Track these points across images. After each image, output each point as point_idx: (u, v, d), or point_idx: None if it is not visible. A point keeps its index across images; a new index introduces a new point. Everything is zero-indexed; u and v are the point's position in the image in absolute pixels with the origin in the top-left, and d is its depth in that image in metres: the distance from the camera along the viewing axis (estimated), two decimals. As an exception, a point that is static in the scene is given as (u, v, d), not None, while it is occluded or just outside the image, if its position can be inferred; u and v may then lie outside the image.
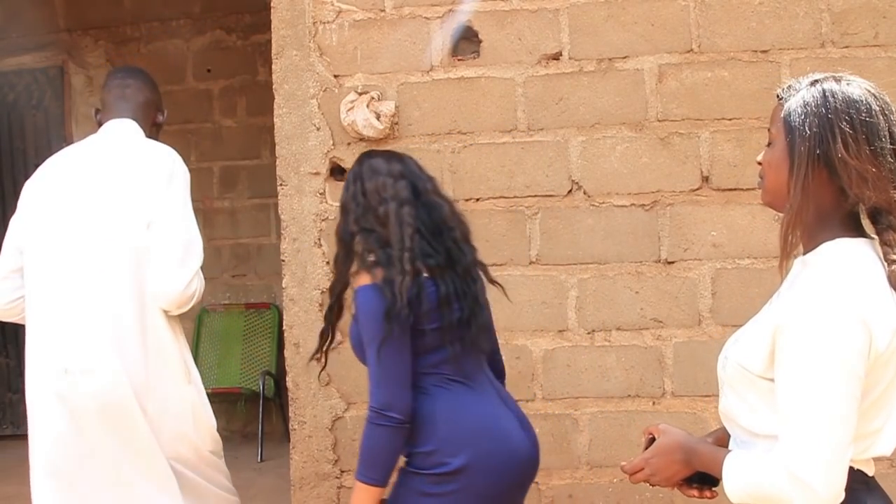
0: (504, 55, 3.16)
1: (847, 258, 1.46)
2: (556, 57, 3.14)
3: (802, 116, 1.48)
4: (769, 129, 1.59)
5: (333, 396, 3.23)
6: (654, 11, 3.12)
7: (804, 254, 1.53)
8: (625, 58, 3.12)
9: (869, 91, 1.51)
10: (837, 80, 1.52)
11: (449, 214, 2.30)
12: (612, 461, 3.13)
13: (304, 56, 3.23)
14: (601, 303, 3.12)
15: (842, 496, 1.42)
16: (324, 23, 3.22)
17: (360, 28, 3.22)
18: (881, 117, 1.48)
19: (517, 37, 3.16)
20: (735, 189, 3.09)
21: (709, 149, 3.10)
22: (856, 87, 1.50)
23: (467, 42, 3.20)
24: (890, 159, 1.46)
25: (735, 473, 1.51)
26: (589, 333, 3.13)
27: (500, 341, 3.04)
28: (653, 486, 1.71)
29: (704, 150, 3.10)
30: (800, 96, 1.51)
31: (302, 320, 3.22)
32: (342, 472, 3.24)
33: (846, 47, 3.09)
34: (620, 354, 3.12)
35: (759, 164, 1.61)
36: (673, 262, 3.10)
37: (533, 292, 3.14)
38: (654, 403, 3.12)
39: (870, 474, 1.53)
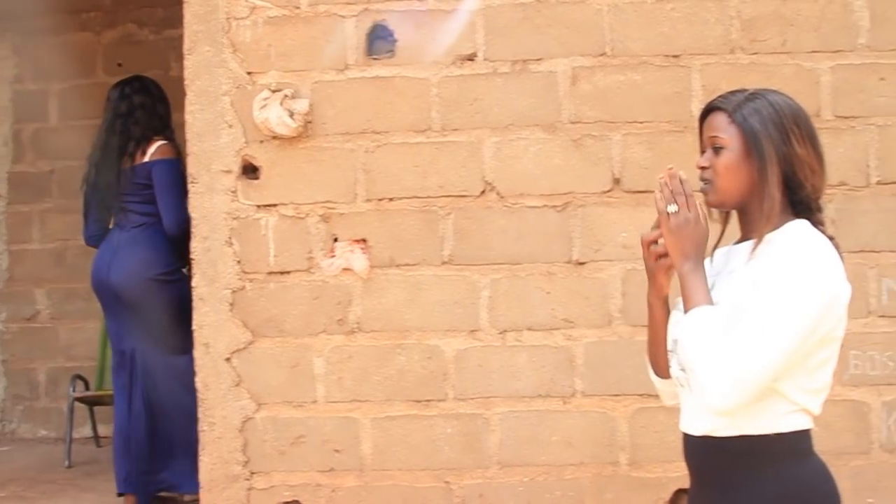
0: (419, 55, 3.68)
1: (810, 232, 1.94)
2: (471, 58, 3.67)
3: (762, 123, 1.94)
4: (714, 137, 2.00)
5: (244, 397, 3.71)
6: (568, 14, 3.67)
7: (752, 237, 1.96)
8: (539, 60, 3.67)
9: (795, 101, 2.02)
10: (771, 92, 2.01)
11: None
12: (522, 461, 3.66)
13: (216, 52, 3.71)
14: (513, 303, 3.65)
15: (734, 413, 1.84)
16: (237, 19, 3.71)
17: (274, 25, 3.71)
18: (811, 121, 2.01)
19: (432, 36, 3.68)
20: (646, 191, 3.63)
21: (620, 151, 3.65)
22: (788, 98, 2.01)
23: (382, 41, 3.71)
24: (821, 154, 1.99)
25: (696, 321, 1.85)
26: (500, 333, 3.66)
27: (412, 341, 3.59)
28: (656, 257, 2.01)
29: (616, 153, 3.65)
30: (750, 107, 1.97)
31: (212, 320, 3.70)
32: (252, 473, 3.72)
33: (755, 54, 3.67)
34: (531, 354, 3.66)
35: (704, 168, 2.01)
36: (584, 263, 3.65)
37: (445, 292, 3.66)
38: (564, 403, 3.66)
39: (812, 426, 1.95)
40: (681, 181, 1.94)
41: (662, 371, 2.10)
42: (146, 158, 4.40)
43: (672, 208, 1.94)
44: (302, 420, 3.71)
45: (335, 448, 3.71)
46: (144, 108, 4.50)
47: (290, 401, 3.71)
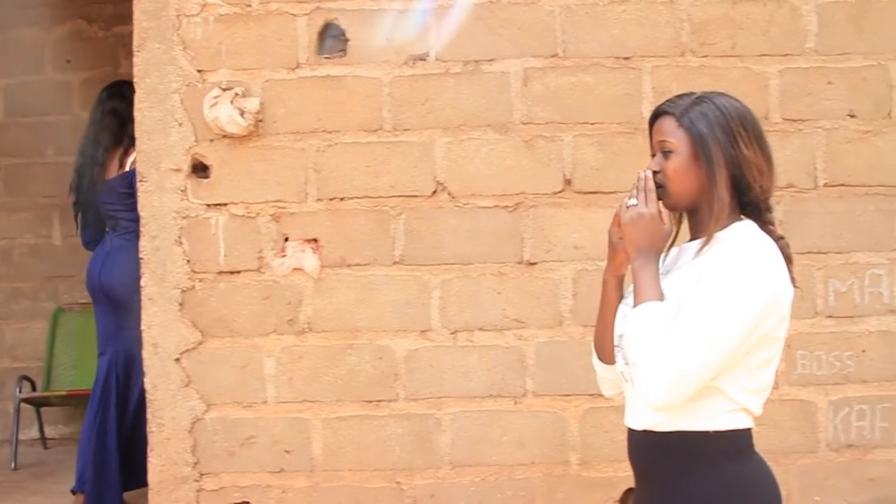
0: (371, 54, 3.72)
1: (755, 233, 2.00)
2: (423, 58, 3.72)
3: (709, 127, 2.00)
4: (663, 141, 2.06)
5: (193, 398, 3.73)
6: (520, 16, 3.73)
7: (702, 237, 2.02)
8: (491, 60, 3.72)
9: (742, 103, 2.09)
10: (719, 96, 2.07)
11: None
12: (474, 461, 3.72)
13: (166, 49, 3.73)
14: (464, 303, 3.71)
15: (673, 408, 1.89)
16: (188, 16, 3.73)
17: (225, 22, 3.73)
18: (759, 123, 2.08)
19: (384, 36, 3.73)
20: (597, 192, 3.72)
21: (572, 152, 3.73)
22: (735, 101, 2.07)
23: (334, 40, 3.75)
24: (769, 155, 2.06)
25: (643, 316, 1.90)
26: (452, 334, 3.71)
27: (363, 341, 3.63)
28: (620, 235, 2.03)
29: (567, 154, 3.72)
30: (697, 111, 2.02)
31: (161, 320, 3.72)
32: (202, 474, 3.74)
33: (705, 56, 3.76)
34: (483, 354, 3.72)
35: (654, 172, 2.05)
36: (535, 264, 3.72)
37: (396, 292, 3.71)
38: (515, 403, 3.73)
39: (752, 425, 2.01)
40: (649, 181, 2.01)
41: (606, 356, 2.15)
42: (126, 168, 4.45)
43: (631, 201, 2.01)
44: (252, 420, 3.74)
45: (285, 449, 3.74)
46: (115, 113, 4.56)
47: (240, 401, 3.74)
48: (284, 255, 3.71)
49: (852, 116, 3.80)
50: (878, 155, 3.81)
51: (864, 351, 3.81)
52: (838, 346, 3.81)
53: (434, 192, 3.72)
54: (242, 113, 3.66)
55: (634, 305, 1.95)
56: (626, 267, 2.08)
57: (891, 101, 3.81)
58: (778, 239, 2.01)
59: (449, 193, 3.71)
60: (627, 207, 2.01)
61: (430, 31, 3.72)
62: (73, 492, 4.53)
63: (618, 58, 3.74)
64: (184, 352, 3.72)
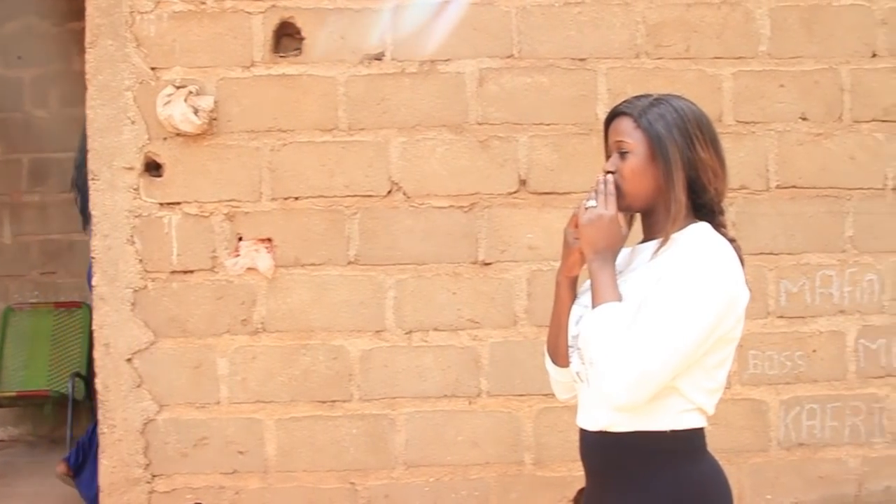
0: (326, 53, 3.75)
1: (712, 235, 2.04)
2: (379, 57, 3.76)
3: (667, 128, 2.03)
4: (620, 141, 2.08)
5: (145, 399, 3.74)
6: (476, 16, 3.78)
7: (657, 238, 2.05)
8: (447, 61, 3.77)
9: (698, 106, 2.13)
10: (676, 98, 2.11)
11: None
12: (428, 461, 3.77)
13: (119, 46, 3.73)
14: (419, 303, 3.75)
15: (633, 408, 1.92)
16: (141, 13, 3.74)
17: (179, 20, 3.75)
18: (713, 126, 2.13)
19: (340, 35, 3.76)
20: (551, 193, 3.78)
21: (527, 153, 3.78)
22: (691, 104, 2.11)
23: (289, 38, 3.78)
24: (723, 158, 2.10)
25: (602, 317, 1.92)
26: (406, 334, 3.76)
27: (318, 341, 3.66)
28: (570, 241, 2.07)
29: (522, 154, 3.78)
30: (655, 112, 2.05)
31: (112, 320, 3.72)
32: (154, 476, 3.75)
33: (659, 58, 3.84)
34: (437, 354, 3.76)
35: (611, 172, 2.08)
36: (490, 264, 3.77)
37: (351, 292, 3.74)
38: (469, 403, 3.78)
39: (706, 425, 2.05)
40: (610, 184, 2.04)
41: (560, 358, 2.17)
42: None
43: (591, 203, 2.04)
44: (205, 421, 3.76)
45: (239, 449, 3.76)
46: None
47: (193, 402, 3.75)
48: (238, 255, 3.73)
49: (804, 119, 3.89)
50: (829, 157, 3.90)
51: (814, 351, 3.91)
52: (789, 346, 3.90)
53: (389, 192, 3.76)
54: (196, 111, 3.68)
55: (593, 306, 1.97)
56: (579, 268, 2.11)
57: (842, 104, 3.91)
58: (730, 241, 2.05)
59: (404, 193, 3.76)
60: (586, 209, 2.04)
61: (386, 30, 3.75)
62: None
63: (573, 59, 3.80)
64: (136, 352, 3.73)
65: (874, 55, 3.93)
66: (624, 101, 2.12)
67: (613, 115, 2.12)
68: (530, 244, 3.77)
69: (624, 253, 2.14)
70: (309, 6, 3.75)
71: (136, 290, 3.72)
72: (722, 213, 2.10)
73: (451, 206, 3.76)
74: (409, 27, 3.75)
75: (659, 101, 2.08)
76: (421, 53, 3.76)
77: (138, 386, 3.73)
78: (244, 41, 3.75)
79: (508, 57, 3.79)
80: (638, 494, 1.97)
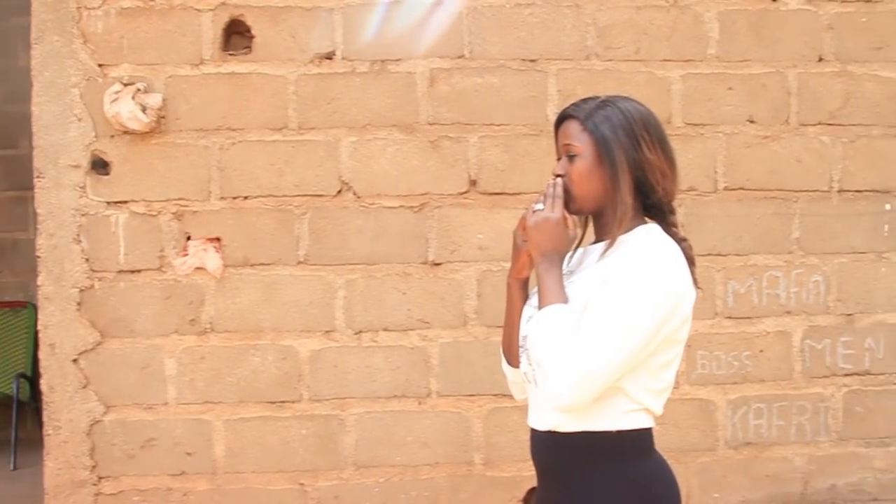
0: (276, 52, 3.77)
1: (660, 236, 2.05)
2: (330, 56, 3.79)
3: (613, 131, 2.04)
4: (568, 144, 2.10)
5: (91, 400, 3.74)
6: (426, 16, 3.81)
7: (606, 239, 2.08)
8: (397, 60, 3.80)
9: (646, 107, 2.16)
10: (623, 100, 2.12)
11: None
12: (378, 461, 3.80)
13: (66, 42, 3.72)
14: (369, 303, 3.78)
15: (578, 409, 1.94)
16: (88, 8, 3.73)
17: (127, 16, 3.74)
18: (661, 127, 2.17)
19: (290, 34, 3.78)
20: (501, 193, 3.83)
21: (477, 153, 3.82)
22: (639, 104, 2.12)
23: (239, 37, 3.79)
24: (672, 158, 2.12)
25: (548, 319, 1.93)
26: (356, 334, 3.78)
27: (267, 342, 3.68)
28: (518, 243, 2.10)
29: (473, 155, 3.82)
30: (601, 114, 2.07)
31: (58, 320, 3.71)
32: (100, 478, 3.75)
33: (609, 60, 3.89)
34: (387, 355, 3.79)
35: (560, 175, 2.10)
36: (440, 264, 3.81)
37: (301, 292, 3.76)
38: (419, 403, 3.81)
39: (654, 425, 2.08)
40: (558, 187, 2.06)
41: (514, 359, 2.19)
42: None
43: (538, 206, 2.06)
44: (152, 423, 3.76)
45: (187, 451, 3.77)
46: None
47: (140, 403, 3.76)
48: (186, 255, 3.74)
49: (752, 122, 3.97)
50: (776, 160, 3.99)
51: (761, 351, 3.99)
52: (737, 346, 3.98)
53: (339, 191, 3.78)
54: (144, 109, 3.68)
55: (539, 308, 2.00)
56: (529, 270, 2.14)
57: (789, 107, 3.99)
58: (681, 241, 2.07)
59: (354, 193, 3.78)
60: (534, 212, 2.06)
61: (336, 29, 3.77)
62: None
63: (524, 60, 3.85)
64: (82, 352, 3.72)
65: (820, 59, 4.01)
66: (571, 104, 2.14)
67: (561, 119, 2.14)
68: (480, 244, 3.81)
69: (577, 254, 2.18)
70: (259, 4, 3.77)
71: (82, 290, 3.71)
72: (672, 212, 2.12)
73: (402, 206, 3.79)
74: (361, 26, 3.77)
75: (606, 103, 2.10)
76: (372, 53, 3.78)
77: (84, 387, 3.73)
78: (193, 39, 3.75)
79: (459, 57, 3.83)
80: (586, 494, 1.99)
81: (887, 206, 4.06)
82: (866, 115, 4.04)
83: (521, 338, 2.11)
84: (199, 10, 3.77)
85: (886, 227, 4.07)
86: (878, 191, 4.06)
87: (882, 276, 4.07)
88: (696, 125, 3.94)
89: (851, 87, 4.03)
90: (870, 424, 4.08)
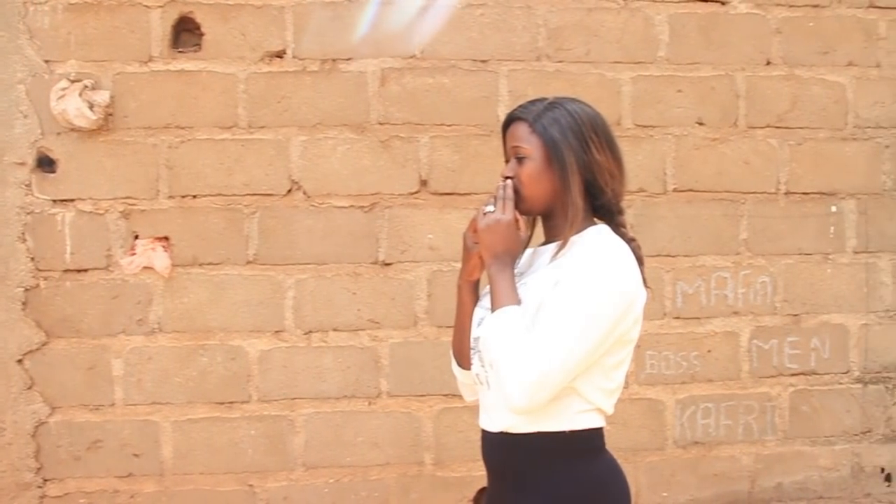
0: (226, 50, 3.77)
1: (610, 237, 2.09)
2: (280, 55, 3.79)
3: (562, 132, 2.07)
4: (517, 147, 2.13)
5: (36, 401, 3.72)
6: (379, 15, 3.83)
7: (557, 240, 2.10)
8: (348, 60, 3.82)
9: (594, 108, 2.19)
10: (571, 101, 2.15)
11: None
12: (328, 462, 3.81)
13: (11, 38, 3.70)
14: (318, 303, 3.80)
15: (533, 411, 1.97)
16: (35, 3, 3.71)
17: (74, 12, 3.73)
18: (610, 128, 2.20)
19: (241, 32, 3.78)
20: (452, 193, 3.86)
21: (428, 153, 3.85)
22: (587, 106, 2.15)
23: (189, 34, 3.79)
24: (620, 159, 2.16)
25: (501, 321, 1.96)
26: (306, 334, 3.80)
27: (215, 342, 3.68)
28: (475, 240, 2.11)
29: (424, 155, 3.85)
30: (549, 116, 2.09)
31: (2, 319, 3.68)
32: (45, 481, 3.73)
33: (560, 62, 3.94)
34: (337, 355, 3.81)
35: (509, 177, 2.13)
36: (390, 264, 3.83)
37: (250, 292, 3.77)
38: (369, 403, 3.84)
39: (605, 425, 2.12)
40: (509, 189, 2.09)
41: (465, 361, 2.21)
42: None
43: (489, 208, 2.09)
44: (99, 424, 3.75)
45: (134, 452, 3.76)
46: None
47: (87, 404, 3.74)
48: (134, 254, 3.73)
49: (701, 124, 4.04)
50: (724, 162, 4.06)
51: (709, 351, 4.06)
52: (685, 346, 4.04)
53: (289, 191, 3.79)
54: (92, 106, 3.66)
55: (492, 310, 2.00)
56: (479, 272, 2.17)
57: (737, 110, 4.07)
58: (630, 241, 2.10)
59: (304, 193, 3.80)
60: (485, 214, 2.09)
61: (287, 27, 3.78)
62: None
63: (475, 60, 3.89)
64: (27, 353, 3.70)
65: (769, 63, 4.09)
66: (519, 106, 2.17)
67: (510, 121, 2.16)
68: (431, 244, 3.84)
69: (526, 254, 2.20)
70: (209, 2, 3.77)
71: (27, 289, 3.69)
72: (621, 212, 2.16)
73: (352, 205, 3.81)
74: (312, 25, 3.78)
75: (554, 105, 2.12)
76: (322, 52, 3.80)
77: (29, 388, 3.71)
78: (142, 35, 3.75)
79: (411, 57, 3.86)
80: (538, 494, 2.01)
81: (833, 209, 4.15)
82: (813, 118, 4.12)
83: (472, 340, 2.14)
84: (147, 7, 3.76)
85: (832, 228, 4.15)
86: (824, 193, 4.14)
87: (828, 277, 4.15)
88: (645, 127, 4.00)
89: (799, 91, 4.11)
90: (815, 423, 4.17)
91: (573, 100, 2.16)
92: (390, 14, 3.82)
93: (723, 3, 4.06)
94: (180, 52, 3.78)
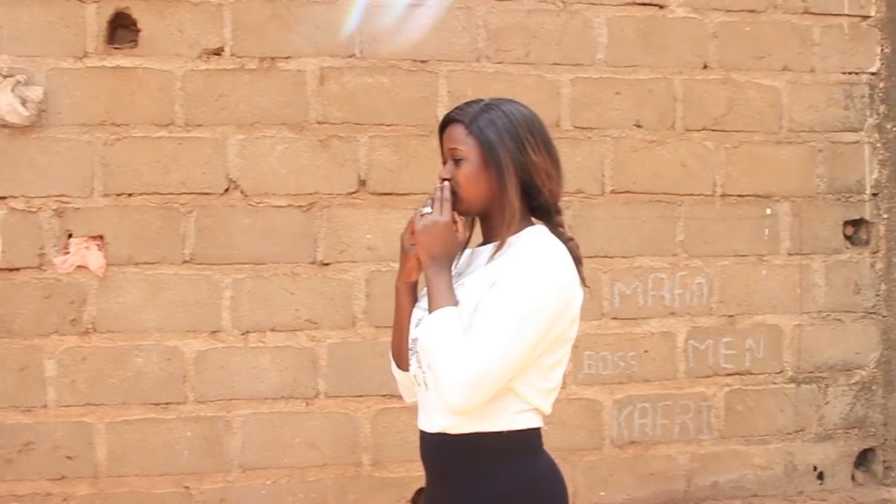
0: (163, 46, 3.77)
1: (548, 238, 2.10)
2: (218, 52, 3.80)
3: (498, 134, 2.09)
4: (454, 149, 2.14)
5: (-37, 402, 3.68)
6: (318, 14, 3.86)
7: (494, 241, 2.12)
8: (287, 58, 3.84)
9: (530, 109, 2.22)
10: (507, 102, 2.17)
11: None
12: (265, 463, 3.83)
13: (-59, 32, 3.66)
14: (256, 303, 3.81)
15: (471, 411, 1.98)
16: (-34, -3, 3.68)
17: (6, 5, 3.69)
18: (546, 129, 2.24)
19: (178, 28, 3.78)
20: (391, 193, 3.90)
21: (367, 153, 3.89)
22: (523, 107, 2.18)
23: (125, 30, 3.78)
24: (557, 159, 2.19)
25: (439, 322, 1.97)
26: (243, 334, 3.81)
27: (151, 342, 3.67)
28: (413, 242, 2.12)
29: (363, 154, 3.88)
30: (486, 118, 2.12)
31: (-72, 319, 3.65)
32: (-27, 483, 3.69)
33: (500, 63, 4.00)
34: (274, 355, 3.83)
35: (447, 179, 2.14)
36: (328, 264, 3.86)
37: (186, 292, 3.77)
38: (307, 404, 3.86)
39: (542, 425, 2.14)
40: (446, 190, 2.11)
41: (404, 362, 2.23)
42: None
43: (426, 210, 2.11)
44: (31, 426, 3.72)
45: (67, 454, 3.74)
46: None
47: (18, 405, 3.71)
48: (68, 252, 3.71)
49: (638, 126, 4.13)
50: (661, 164, 4.15)
51: (646, 351, 4.15)
52: (622, 346, 4.13)
53: (226, 189, 3.80)
54: (24, 102, 3.64)
55: (430, 311, 2.04)
56: (417, 273, 2.19)
57: (674, 112, 4.16)
58: (568, 241, 2.13)
59: (242, 192, 3.81)
60: (422, 215, 2.11)
61: (225, 24, 3.79)
62: None
63: (415, 61, 3.93)
64: (-44, 353, 3.67)
65: (705, 67, 4.19)
66: (456, 108, 2.19)
67: (446, 122, 2.19)
68: (369, 245, 3.88)
69: (464, 255, 2.23)
70: (146, -3, 3.76)
71: (-54, 289, 3.66)
72: (559, 213, 2.18)
73: (290, 205, 3.83)
74: (251, 22, 3.80)
75: (490, 106, 2.15)
76: (261, 50, 3.81)
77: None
78: (77, 31, 3.73)
79: (350, 56, 3.88)
80: (476, 494, 2.03)
81: (768, 211, 4.26)
82: (748, 121, 4.23)
83: (410, 341, 2.16)
84: (83, 2, 3.75)
85: (767, 230, 4.26)
86: (759, 195, 4.25)
87: (762, 279, 4.26)
88: (584, 129, 4.07)
89: (735, 95, 4.22)
90: (750, 423, 4.27)
91: (509, 101, 2.19)
92: (332, 13, 3.84)
93: (661, 7, 4.14)
94: (116, 48, 3.77)
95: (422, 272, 2.13)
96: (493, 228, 2.15)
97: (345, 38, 3.86)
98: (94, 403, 3.75)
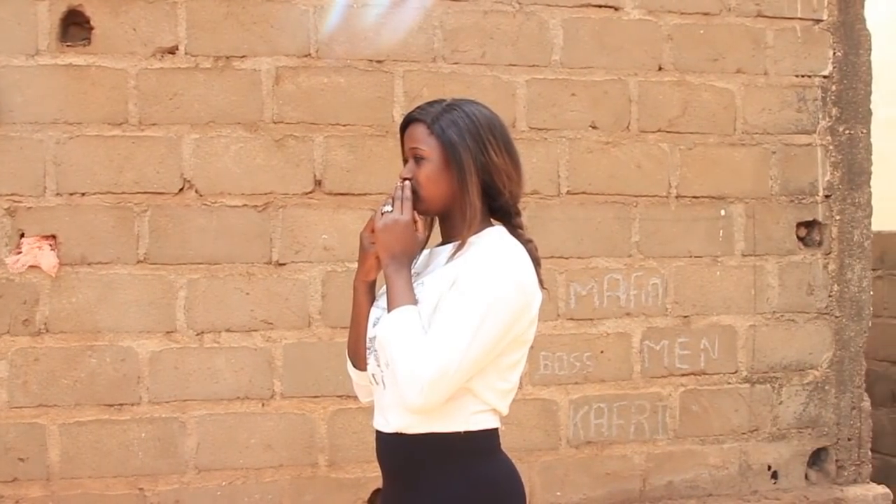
0: (117, 45, 3.78)
1: (507, 239, 2.11)
2: (172, 51, 3.82)
3: (459, 134, 2.14)
4: (415, 148, 2.20)
5: (-86, 403, 3.67)
6: (273, 13, 3.89)
7: (454, 240, 2.17)
8: (242, 57, 3.87)
9: (492, 110, 2.27)
10: (469, 103, 2.22)
11: None
12: (221, 464, 3.85)
13: None
14: (211, 304, 3.83)
15: (429, 411, 2.02)
16: (-85, -6, 3.67)
17: (-43, 4, 3.70)
18: (507, 130, 2.29)
19: (132, 26, 3.80)
20: (347, 194, 3.94)
21: (323, 153, 3.92)
22: (485, 108, 2.23)
23: (78, 27, 3.79)
24: (518, 161, 2.23)
25: (398, 320, 2.02)
26: (198, 335, 3.83)
27: (105, 343, 3.68)
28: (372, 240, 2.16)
29: (318, 154, 3.92)
30: (448, 118, 2.17)
31: None
32: (-78, 486, 3.68)
33: (456, 63, 4.05)
34: (230, 356, 3.85)
35: (408, 179, 2.19)
36: (284, 264, 3.89)
37: (140, 292, 3.78)
38: (263, 405, 3.88)
39: (500, 426, 2.19)
40: (407, 189, 2.16)
41: (361, 362, 2.27)
42: None
43: (387, 208, 2.16)
44: (-19, 427, 3.72)
45: (19, 456, 3.74)
46: None
47: (-32, 407, 3.71)
48: (20, 252, 3.71)
49: (594, 128, 4.20)
50: (617, 165, 4.22)
51: (602, 352, 4.21)
52: (578, 347, 4.19)
53: (181, 189, 3.82)
54: (-25, 101, 3.64)
55: (388, 311, 2.08)
56: (376, 272, 2.24)
57: (630, 114, 4.23)
58: (527, 242, 2.20)
59: (196, 191, 3.83)
60: (382, 214, 2.15)
61: (179, 23, 3.81)
62: None
63: (370, 61, 3.97)
64: None
65: (660, 69, 4.27)
66: (417, 108, 2.24)
67: (408, 122, 2.24)
68: (325, 245, 3.91)
69: (424, 255, 2.28)
70: (100, -5, 3.77)
71: None
72: (518, 214, 2.25)
73: (245, 205, 3.86)
74: (205, 21, 3.82)
75: (452, 106, 2.20)
76: (216, 49, 3.84)
77: None
78: (28, 28, 3.73)
79: (306, 56, 3.92)
80: (433, 494, 2.08)
81: (722, 212, 4.34)
82: (703, 123, 4.31)
83: (368, 339, 2.21)
84: None
85: (721, 232, 4.35)
86: (713, 197, 4.33)
87: (717, 280, 4.35)
88: (540, 130, 4.13)
89: (689, 97, 4.30)
90: (705, 422, 4.35)
91: (471, 102, 2.24)
92: (287, 13, 3.87)
93: (616, 9, 4.21)
94: (69, 45, 3.77)
95: (381, 271, 2.18)
96: (453, 228, 2.20)
97: (325, 35, 3.91)
98: (46, 405, 3.75)
